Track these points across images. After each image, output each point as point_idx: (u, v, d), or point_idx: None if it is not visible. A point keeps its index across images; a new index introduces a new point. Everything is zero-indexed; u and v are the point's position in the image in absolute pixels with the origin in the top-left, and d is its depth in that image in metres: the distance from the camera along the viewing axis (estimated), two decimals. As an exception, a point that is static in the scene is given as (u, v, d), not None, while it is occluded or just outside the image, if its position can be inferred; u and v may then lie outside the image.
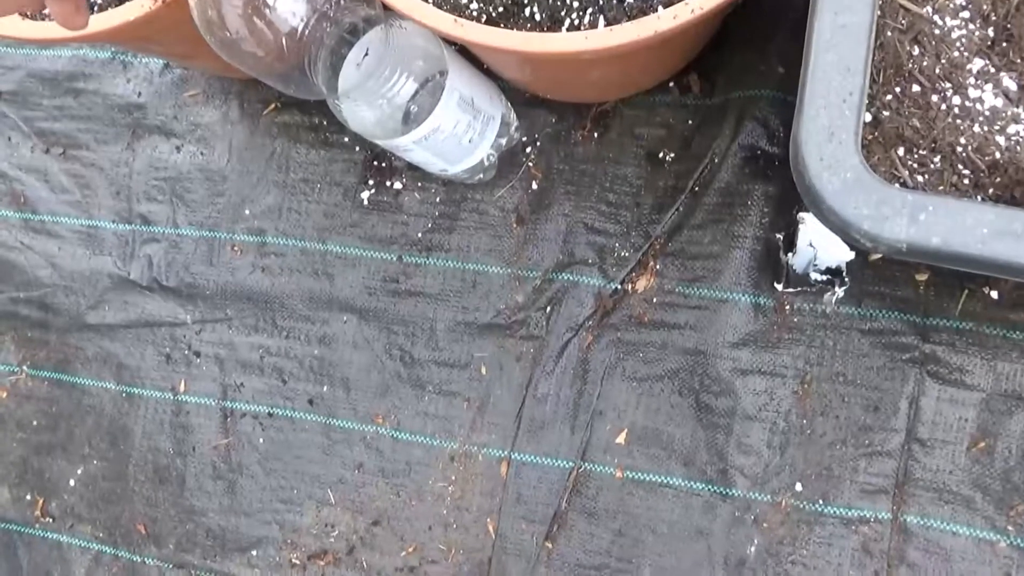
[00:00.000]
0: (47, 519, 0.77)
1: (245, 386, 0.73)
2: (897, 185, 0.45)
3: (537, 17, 0.51)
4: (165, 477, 0.74)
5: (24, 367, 0.80)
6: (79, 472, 0.76)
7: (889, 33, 0.45)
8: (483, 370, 0.68)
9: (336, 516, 0.70)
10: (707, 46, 0.65)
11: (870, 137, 0.45)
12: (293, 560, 0.70)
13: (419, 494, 0.68)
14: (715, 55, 0.66)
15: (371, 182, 0.72)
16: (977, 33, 0.46)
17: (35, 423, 0.79)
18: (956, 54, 0.45)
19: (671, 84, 0.67)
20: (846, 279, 0.61)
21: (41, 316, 0.79)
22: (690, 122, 0.66)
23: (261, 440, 0.72)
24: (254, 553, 0.71)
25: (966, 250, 0.38)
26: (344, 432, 0.70)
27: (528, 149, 0.69)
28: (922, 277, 0.60)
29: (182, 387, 0.74)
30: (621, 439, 0.64)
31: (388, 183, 0.71)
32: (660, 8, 0.49)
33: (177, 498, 0.73)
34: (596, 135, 0.68)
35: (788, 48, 0.63)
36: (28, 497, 0.78)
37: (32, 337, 0.80)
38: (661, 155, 0.66)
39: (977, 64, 0.45)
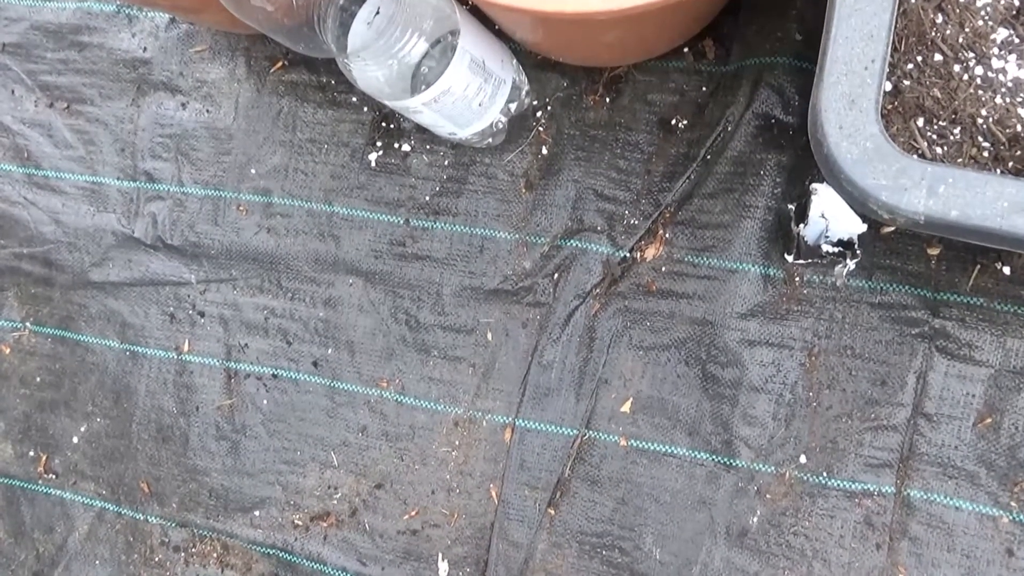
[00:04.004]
0: (50, 475, 0.77)
1: (249, 347, 0.72)
2: (915, 156, 0.44)
3: (552, -23, 0.50)
4: (168, 436, 0.74)
5: (27, 323, 0.79)
6: (82, 429, 0.77)
7: (913, 0, 0.44)
8: (489, 336, 0.67)
9: (339, 478, 0.70)
10: (723, 11, 0.64)
11: (889, 107, 0.44)
12: (296, 521, 0.70)
13: (422, 458, 0.68)
14: (731, 20, 0.64)
15: (379, 144, 0.71)
16: (1002, 2, 0.45)
17: (38, 379, 0.78)
18: (980, 23, 0.45)
19: (685, 50, 0.66)
20: (857, 251, 0.60)
21: (45, 272, 0.79)
22: (704, 89, 0.65)
23: (265, 401, 0.72)
24: (257, 514, 0.71)
25: (985, 224, 0.38)
26: (348, 395, 0.70)
27: (539, 113, 0.68)
28: (934, 251, 0.59)
29: (186, 347, 0.74)
30: (626, 407, 0.64)
31: (396, 145, 0.71)
32: (678, -30, 0.48)
33: (180, 457, 0.73)
34: (608, 101, 0.67)
35: (807, 14, 0.62)
36: (31, 453, 0.78)
37: (35, 293, 0.79)
38: (673, 122, 0.65)
39: (1001, 34, 0.44)
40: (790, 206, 0.62)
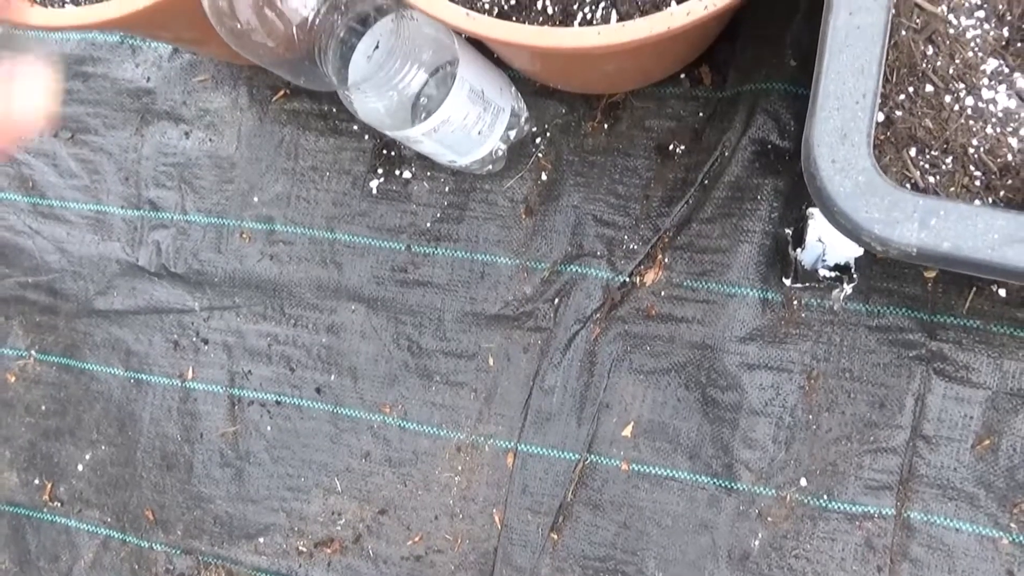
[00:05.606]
0: (55, 503, 0.78)
1: (253, 374, 0.73)
2: (908, 186, 0.44)
3: (549, 10, 0.51)
4: (173, 464, 0.74)
5: (32, 352, 0.80)
6: (87, 457, 0.77)
7: (903, 32, 0.45)
8: (490, 361, 0.68)
9: (343, 504, 0.70)
10: (719, 38, 0.64)
11: (882, 137, 0.45)
12: (300, 548, 0.71)
13: (426, 484, 0.68)
14: (727, 47, 0.65)
15: (380, 171, 0.72)
16: (992, 33, 0.45)
17: (43, 408, 0.79)
18: (970, 54, 0.45)
19: (682, 76, 0.66)
20: (854, 275, 0.61)
21: (49, 301, 0.80)
22: (701, 115, 0.66)
23: (268, 428, 0.72)
24: (261, 540, 0.71)
25: (976, 255, 0.38)
26: (351, 421, 0.70)
27: (538, 140, 0.69)
28: (930, 274, 0.60)
29: (190, 374, 0.75)
30: (627, 432, 0.64)
31: (397, 172, 0.71)
32: (673, 3, 0.48)
33: (185, 485, 0.74)
34: (606, 127, 0.68)
35: (801, 40, 0.63)
36: (36, 481, 0.78)
37: (40, 322, 0.80)
38: (671, 148, 0.66)
39: (991, 65, 0.45)
40: (787, 230, 0.62)
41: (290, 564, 0.71)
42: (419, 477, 0.69)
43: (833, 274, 0.61)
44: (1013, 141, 0.44)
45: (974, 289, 0.59)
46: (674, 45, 0.59)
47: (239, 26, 0.51)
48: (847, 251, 0.60)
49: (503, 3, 0.51)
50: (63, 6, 0.61)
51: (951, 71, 0.45)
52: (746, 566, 0.61)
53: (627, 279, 0.66)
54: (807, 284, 0.62)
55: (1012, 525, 0.57)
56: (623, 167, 0.67)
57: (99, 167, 0.80)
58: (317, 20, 0.52)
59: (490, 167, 0.68)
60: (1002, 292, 0.59)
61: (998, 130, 0.44)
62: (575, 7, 0.51)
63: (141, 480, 0.75)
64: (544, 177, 0.68)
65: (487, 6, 0.51)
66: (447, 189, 0.70)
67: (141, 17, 0.57)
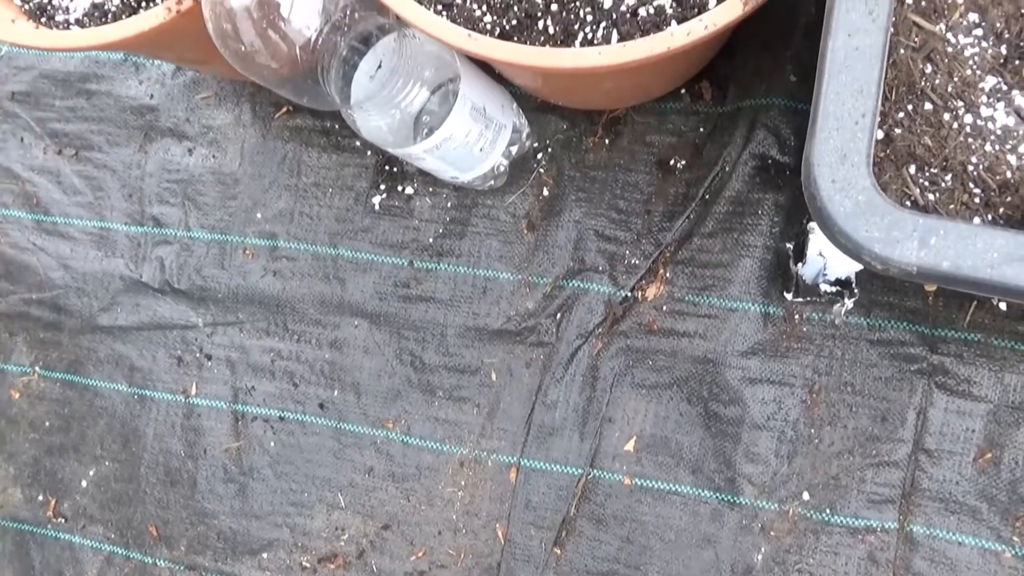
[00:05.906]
0: (59, 519, 0.78)
1: (256, 390, 0.73)
2: (908, 203, 0.45)
3: (551, 31, 0.51)
4: (176, 479, 0.75)
5: (36, 368, 0.80)
6: (91, 473, 0.77)
7: (902, 51, 0.46)
8: (493, 376, 0.68)
9: (346, 520, 0.70)
10: (719, 53, 0.65)
11: (882, 155, 0.45)
12: (303, 563, 0.71)
13: (429, 499, 0.69)
14: (727, 62, 0.66)
15: (382, 187, 0.72)
16: (990, 51, 0.46)
17: (47, 424, 0.79)
18: (969, 72, 0.46)
19: (683, 91, 0.67)
20: (855, 289, 0.61)
21: (53, 317, 0.80)
22: (701, 130, 0.66)
23: (272, 443, 0.72)
24: (265, 556, 0.72)
25: (976, 274, 0.39)
26: (355, 436, 0.71)
27: (539, 155, 0.69)
28: (931, 288, 0.60)
29: (193, 390, 0.75)
30: (630, 446, 0.64)
31: (399, 188, 0.72)
32: (673, 23, 0.49)
33: (188, 500, 0.74)
34: (607, 142, 0.68)
35: (801, 55, 0.63)
36: (40, 497, 0.78)
37: (44, 338, 0.80)
38: (672, 163, 0.66)
39: (990, 82, 0.45)
40: (788, 245, 0.63)
41: (294, 580, 0.71)
42: (422, 492, 0.69)
43: (834, 288, 0.61)
44: (1012, 158, 0.44)
45: (975, 303, 0.59)
46: (674, 63, 0.59)
47: (243, 48, 0.51)
48: (848, 265, 0.60)
49: (505, 24, 0.52)
50: (68, 28, 0.62)
51: (950, 89, 0.45)
52: (749, 580, 0.61)
53: (629, 294, 0.66)
54: (808, 298, 0.62)
55: (1015, 538, 0.57)
56: (624, 182, 0.67)
57: (103, 184, 0.80)
58: (320, 41, 0.53)
59: (492, 183, 0.68)
60: (1003, 306, 0.59)
61: (997, 147, 0.44)
62: (576, 27, 0.51)
63: (145, 496, 0.75)
64: (546, 192, 0.69)
65: (489, 26, 0.52)
66: (449, 205, 0.71)
67: (145, 39, 0.58)
